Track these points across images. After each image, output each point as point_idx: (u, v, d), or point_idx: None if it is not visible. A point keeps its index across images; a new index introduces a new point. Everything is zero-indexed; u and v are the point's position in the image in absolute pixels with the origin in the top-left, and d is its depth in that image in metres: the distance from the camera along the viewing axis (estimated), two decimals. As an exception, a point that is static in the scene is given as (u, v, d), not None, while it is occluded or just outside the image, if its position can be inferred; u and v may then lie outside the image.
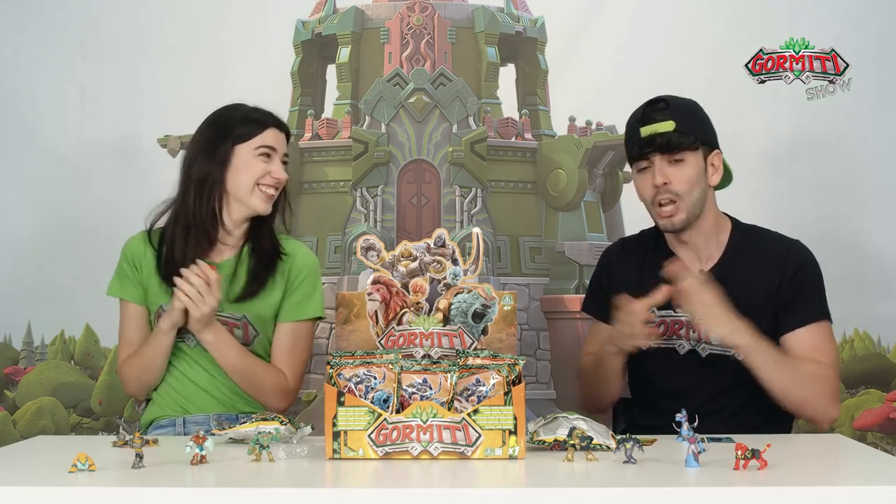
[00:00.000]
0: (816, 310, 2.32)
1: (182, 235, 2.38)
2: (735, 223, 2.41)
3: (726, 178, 2.40)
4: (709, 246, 2.37)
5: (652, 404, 2.41)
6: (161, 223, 2.44)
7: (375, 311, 1.97)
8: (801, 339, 2.29)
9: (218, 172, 2.38)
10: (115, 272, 2.47)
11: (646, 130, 2.29)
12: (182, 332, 2.38)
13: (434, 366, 1.89)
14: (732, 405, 2.32)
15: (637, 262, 2.42)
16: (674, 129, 2.27)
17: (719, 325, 2.18)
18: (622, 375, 2.36)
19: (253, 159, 2.38)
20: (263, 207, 2.39)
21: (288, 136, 2.47)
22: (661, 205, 2.30)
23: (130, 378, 2.44)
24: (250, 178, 2.37)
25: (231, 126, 2.40)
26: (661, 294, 2.20)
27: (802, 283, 2.33)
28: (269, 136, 2.40)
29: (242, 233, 2.45)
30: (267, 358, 2.43)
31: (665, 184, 2.28)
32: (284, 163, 2.44)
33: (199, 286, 2.25)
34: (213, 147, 2.39)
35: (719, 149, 2.36)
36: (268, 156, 2.39)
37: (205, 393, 2.40)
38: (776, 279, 2.32)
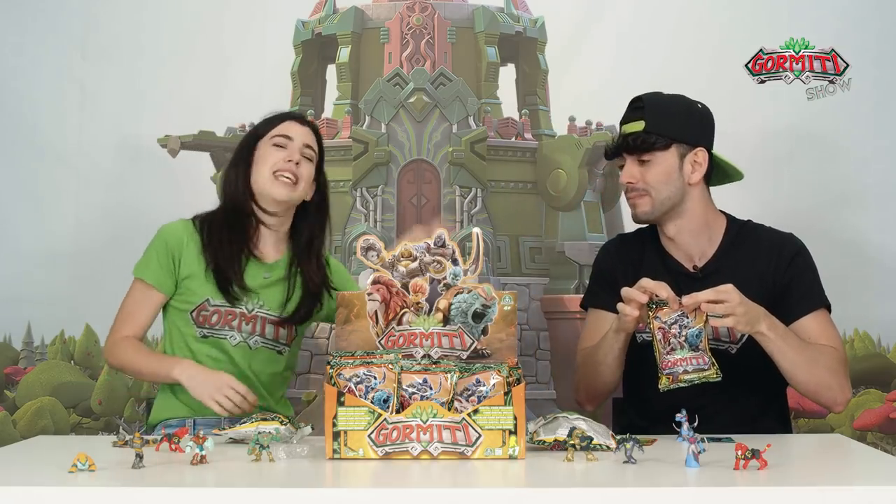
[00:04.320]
0: (816, 298, 2.35)
1: (222, 220, 2.43)
2: (730, 219, 2.44)
3: (727, 175, 2.41)
4: (699, 243, 2.39)
5: (645, 403, 2.40)
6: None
7: (375, 311, 1.96)
8: (807, 327, 2.31)
9: (243, 169, 2.44)
10: (144, 254, 2.44)
11: (623, 129, 2.38)
12: (194, 324, 2.39)
13: (434, 366, 1.89)
14: (718, 401, 2.30)
15: (634, 259, 2.44)
16: (643, 128, 2.33)
17: (745, 322, 2.12)
18: (620, 362, 2.29)
19: (269, 149, 2.43)
20: (281, 193, 2.41)
21: (317, 133, 2.49)
22: (629, 197, 2.40)
23: (118, 359, 2.43)
24: (267, 167, 2.41)
25: (256, 129, 2.48)
26: (664, 289, 2.10)
27: (797, 274, 2.35)
28: (285, 127, 2.45)
29: (285, 232, 2.48)
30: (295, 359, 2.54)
31: (630, 182, 2.36)
32: (310, 159, 2.45)
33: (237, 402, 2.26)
34: (242, 151, 2.47)
35: (705, 146, 2.36)
36: (283, 146, 2.42)
37: None
38: (770, 269, 2.35)
